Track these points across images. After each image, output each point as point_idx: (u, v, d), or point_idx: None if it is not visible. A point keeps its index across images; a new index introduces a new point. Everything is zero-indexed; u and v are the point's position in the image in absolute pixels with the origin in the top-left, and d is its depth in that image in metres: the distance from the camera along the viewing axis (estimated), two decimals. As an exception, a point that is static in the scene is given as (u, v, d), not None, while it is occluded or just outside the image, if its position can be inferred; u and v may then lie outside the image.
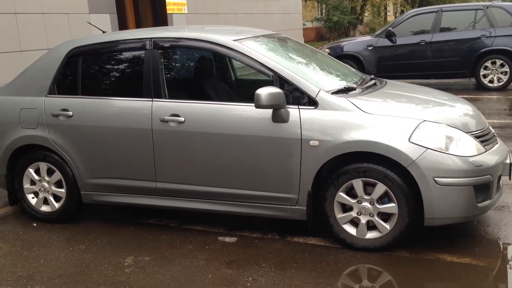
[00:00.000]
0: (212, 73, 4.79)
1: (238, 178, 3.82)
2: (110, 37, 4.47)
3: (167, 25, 12.70)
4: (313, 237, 3.92)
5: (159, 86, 4.02)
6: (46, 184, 4.41)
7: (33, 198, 4.49)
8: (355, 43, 11.06)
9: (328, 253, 3.67)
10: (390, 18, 37.87)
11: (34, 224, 4.46)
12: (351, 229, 3.66)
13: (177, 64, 4.59)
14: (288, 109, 3.62)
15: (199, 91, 4.36)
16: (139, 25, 12.68)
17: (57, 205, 4.41)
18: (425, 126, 3.47)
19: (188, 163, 3.93)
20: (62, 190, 4.36)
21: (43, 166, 4.38)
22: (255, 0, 17.62)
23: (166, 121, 3.91)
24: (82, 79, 4.34)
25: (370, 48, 10.46)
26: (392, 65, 10.27)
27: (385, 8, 36.44)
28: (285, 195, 3.73)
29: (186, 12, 13.77)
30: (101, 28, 5.32)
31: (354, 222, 3.66)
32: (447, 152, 3.40)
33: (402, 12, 33.75)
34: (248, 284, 3.31)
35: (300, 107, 3.64)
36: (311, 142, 3.56)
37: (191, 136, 3.86)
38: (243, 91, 4.85)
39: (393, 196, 3.47)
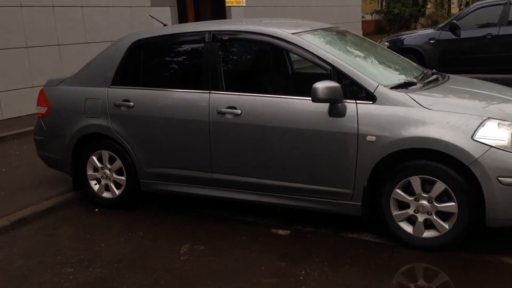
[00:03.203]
0: (269, 66, 4.80)
1: (293, 171, 3.82)
2: (170, 30, 4.57)
3: (225, 18, 12.84)
4: (367, 233, 3.87)
5: (217, 79, 4.07)
6: (107, 172, 4.58)
7: (95, 184, 4.69)
8: (416, 36, 10.72)
9: (382, 250, 3.61)
10: (454, 10, 36.44)
11: (96, 210, 4.65)
12: (407, 227, 3.58)
13: (234, 57, 4.63)
14: (345, 103, 3.58)
15: (256, 83, 4.38)
16: (198, 18, 12.89)
17: (117, 192, 4.58)
18: (489, 124, 3.33)
19: (244, 155, 3.96)
20: (123, 177, 4.53)
21: (105, 154, 4.55)
22: (313, -8, 17.45)
23: (223, 113, 3.96)
24: (143, 71, 4.48)
25: (432, 41, 10.11)
26: (455, 59, 9.88)
27: (449, 0, 35.09)
28: (340, 190, 3.70)
29: (244, 5, 13.85)
30: (162, 21, 5.44)
31: (411, 220, 3.57)
32: (512, 151, 3.25)
33: (467, 4, 32.40)
34: (301, 278, 3.31)
35: (357, 101, 3.59)
36: (368, 137, 3.51)
37: (247, 128, 3.89)
38: (300, 84, 4.82)
39: (453, 194, 3.36)
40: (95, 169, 4.65)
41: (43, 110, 4.82)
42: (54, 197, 4.85)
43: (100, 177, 4.64)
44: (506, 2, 9.76)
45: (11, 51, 8.34)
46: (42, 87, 4.98)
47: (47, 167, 5.08)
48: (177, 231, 4.13)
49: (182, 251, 3.77)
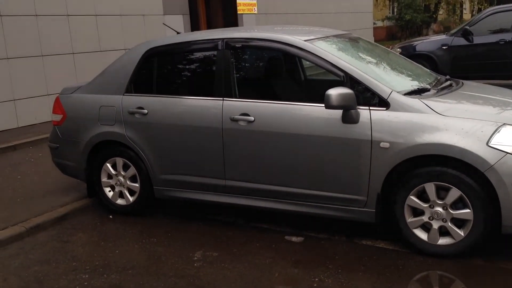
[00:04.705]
0: (281, 73, 4.81)
1: (307, 178, 3.82)
2: (184, 38, 4.61)
3: (237, 25, 12.90)
4: (381, 240, 3.85)
5: (230, 86, 4.09)
6: (121, 179, 4.61)
7: (109, 191, 4.72)
8: (429, 42, 10.69)
9: (397, 257, 3.59)
10: (467, 16, 36.23)
11: (110, 216, 4.68)
12: (422, 234, 3.56)
13: (247, 64, 4.65)
14: (359, 110, 3.58)
15: (269, 90, 4.40)
16: (210, 25, 12.97)
17: (131, 198, 4.61)
18: (505, 130, 3.30)
19: (257, 162, 3.97)
20: (136, 184, 4.55)
21: (119, 161, 4.59)
22: (325, -1, 17.47)
23: (236, 120, 3.97)
24: (157, 78, 4.52)
25: (444, 47, 10.07)
26: (469, 65, 9.83)
27: (461, 6, 34.90)
28: (354, 197, 3.69)
29: (256, 12, 13.91)
30: (175, 29, 5.49)
31: (426, 227, 3.55)
32: (528, 158, 3.21)
33: (480, 10, 32.21)
34: (315, 285, 3.30)
35: (371, 108, 3.58)
36: (382, 144, 3.50)
37: (260, 135, 3.90)
38: (313, 91, 4.84)
39: (469, 201, 3.34)
40: (109, 176, 4.68)
41: (58, 117, 4.88)
42: (69, 204, 4.90)
43: (114, 184, 4.68)
44: (519, 8, 9.70)
45: (27, 60, 8.45)
46: (57, 95, 5.05)
47: (62, 174, 5.14)
48: (191, 238, 4.14)
49: (195, 258, 3.78)
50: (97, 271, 3.66)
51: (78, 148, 4.70)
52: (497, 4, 21.36)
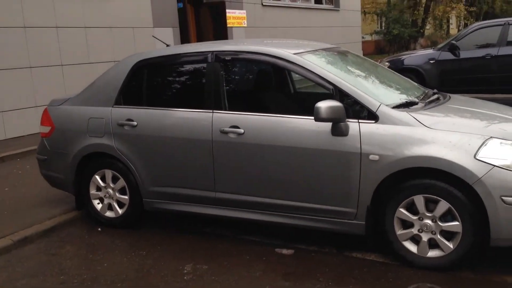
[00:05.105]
0: (271, 86, 4.84)
1: (296, 190, 3.82)
2: (173, 50, 4.62)
3: (227, 38, 12.96)
4: (371, 252, 3.85)
5: (220, 98, 4.11)
6: (110, 191, 4.59)
7: (98, 203, 4.68)
8: (416, 56, 10.82)
9: (387, 270, 3.60)
10: (453, 31, 36.77)
11: (99, 229, 4.64)
12: (411, 247, 3.57)
13: (237, 77, 4.66)
14: (348, 122, 3.60)
15: (259, 103, 4.41)
16: (200, 38, 13.02)
17: (120, 211, 4.58)
18: (492, 143, 3.34)
19: (247, 174, 3.97)
20: (126, 197, 4.53)
21: (108, 173, 4.56)
22: (314, 13, 17.66)
23: (226, 133, 3.98)
24: (147, 91, 4.52)
25: (432, 61, 10.19)
26: (455, 79, 9.96)
27: (448, 21, 35.42)
28: (344, 209, 3.70)
29: (245, 25, 14.00)
30: (165, 42, 5.50)
31: (415, 239, 3.57)
32: (515, 170, 3.25)
33: (466, 25, 32.73)
34: (305, 298, 3.29)
35: (360, 121, 3.61)
36: (371, 157, 3.52)
37: (250, 147, 3.91)
38: (302, 104, 4.87)
39: (457, 214, 3.36)
40: (98, 188, 4.65)
41: (46, 129, 4.85)
42: (57, 216, 4.85)
43: (103, 196, 4.65)
44: (505, 23, 9.86)
45: (15, 71, 8.41)
46: (45, 106, 5.02)
47: (50, 187, 5.09)
48: (181, 250, 4.12)
49: (185, 271, 3.75)
50: (85, 285, 3.62)
51: (66, 160, 4.67)
52: (483, 20, 21.71)
